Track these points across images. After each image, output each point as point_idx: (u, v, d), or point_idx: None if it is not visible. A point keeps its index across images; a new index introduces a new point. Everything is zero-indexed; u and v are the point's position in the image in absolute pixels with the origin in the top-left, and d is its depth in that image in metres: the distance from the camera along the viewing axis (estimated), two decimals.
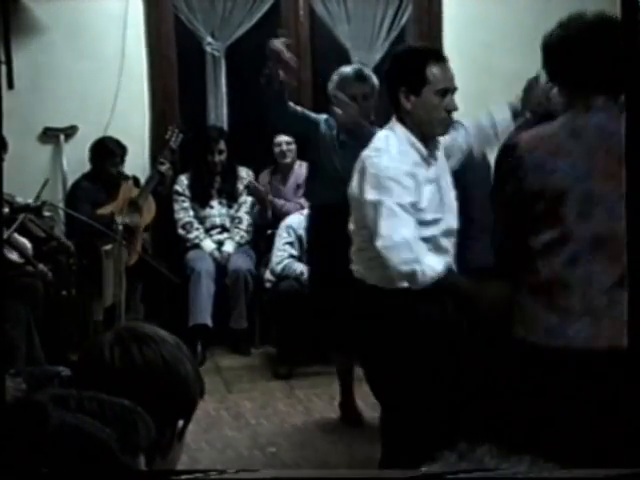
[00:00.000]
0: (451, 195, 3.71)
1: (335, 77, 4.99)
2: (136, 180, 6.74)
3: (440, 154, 3.70)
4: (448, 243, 3.65)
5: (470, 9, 7.07)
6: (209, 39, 7.13)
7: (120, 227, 5.75)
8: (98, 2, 6.77)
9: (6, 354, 5.00)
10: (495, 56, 6.93)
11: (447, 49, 7.01)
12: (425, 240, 3.51)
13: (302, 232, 6.09)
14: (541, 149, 2.92)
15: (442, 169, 3.70)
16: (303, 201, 6.34)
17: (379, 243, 3.43)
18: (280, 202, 6.75)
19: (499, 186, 3.07)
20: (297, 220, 6.24)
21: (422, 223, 3.50)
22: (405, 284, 3.46)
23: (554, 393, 2.91)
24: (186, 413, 2.02)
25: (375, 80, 4.96)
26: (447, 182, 3.71)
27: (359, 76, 4.95)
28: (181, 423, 2.00)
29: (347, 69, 5.06)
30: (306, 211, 6.29)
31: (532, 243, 2.95)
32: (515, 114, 4.03)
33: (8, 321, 5.21)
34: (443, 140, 3.74)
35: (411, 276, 3.40)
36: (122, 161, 6.64)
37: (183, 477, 1.50)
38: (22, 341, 5.35)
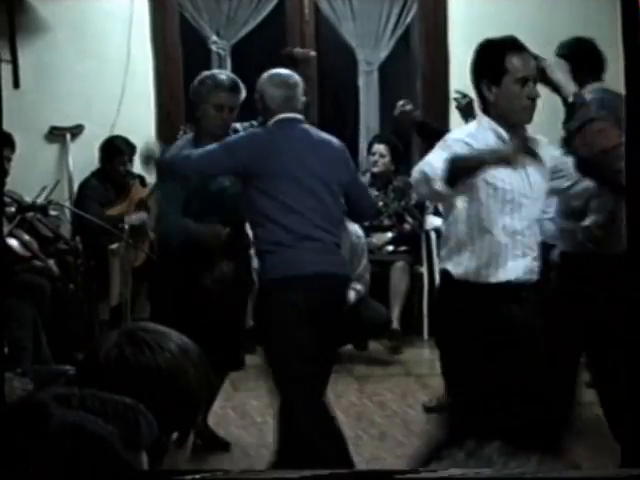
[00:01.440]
0: (530, 194, 3.69)
1: (207, 80, 4.67)
2: (142, 179, 6.75)
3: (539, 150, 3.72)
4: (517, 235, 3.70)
5: (475, 7, 7.07)
6: (214, 38, 7.13)
7: (127, 227, 5.76)
8: (103, 1, 6.78)
9: (13, 354, 5.00)
10: None
11: (452, 47, 7.04)
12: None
13: None
14: None
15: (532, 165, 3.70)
16: None
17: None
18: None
19: None
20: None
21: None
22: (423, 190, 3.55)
23: None
24: (184, 425, 1.99)
25: (243, 93, 4.72)
26: (533, 178, 3.69)
27: (233, 87, 4.66)
28: (175, 435, 1.97)
29: (222, 76, 4.75)
30: None
31: None
32: None
33: (15, 321, 5.21)
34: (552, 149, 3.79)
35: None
36: (130, 160, 6.64)
37: (187, 477, 1.49)
38: (29, 341, 5.35)
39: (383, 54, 7.26)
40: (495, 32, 6.92)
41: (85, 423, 1.43)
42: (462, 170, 3.41)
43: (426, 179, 3.43)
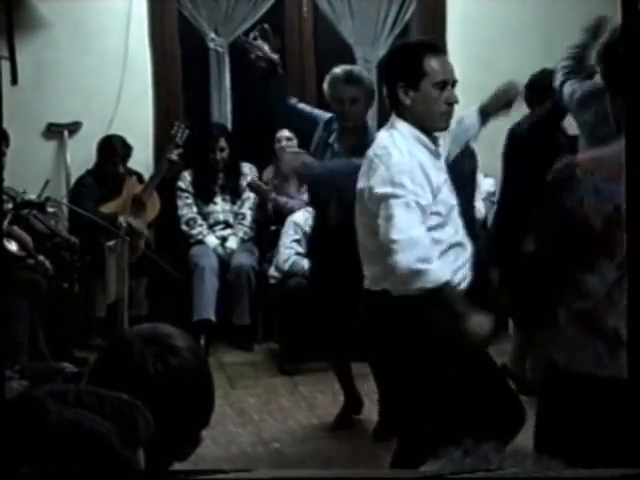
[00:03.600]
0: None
1: (327, 77, 4.88)
2: (139, 177, 6.75)
3: (442, 150, 3.66)
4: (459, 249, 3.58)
5: (473, 5, 7.07)
6: (212, 35, 7.13)
7: (124, 224, 5.76)
8: None
9: (9, 350, 5.01)
10: (498, 52, 6.93)
11: (450, 45, 7.04)
12: (436, 242, 3.44)
13: (308, 229, 6.10)
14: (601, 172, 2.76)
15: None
16: (306, 198, 6.33)
17: (394, 236, 3.28)
18: (283, 199, 6.73)
19: (548, 206, 2.99)
20: (302, 217, 6.24)
21: (437, 226, 3.46)
22: (412, 284, 3.31)
23: (595, 422, 2.81)
24: (208, 419, 2.03)
25: (368, 83, 4.83)
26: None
27: (348, 78, 4.76)
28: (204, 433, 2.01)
29: (338, 70, 4.86)
30: (311, 208, 6.29)
31: (580, 267, 2.82)
32: (485, 115, 3.97)
33: (11, 317, 5.23)
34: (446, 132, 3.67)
35: (422, 275, 3.28)
36: (124, 163, 6.62)
37: (187, 477, 1.49)
38: (25, 336, 5.37)
39: (381, 52, 7.23)
40: (493, 30, 7.04)
41: (82, 420, 1.43)
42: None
43: (423, 275, 3.27)
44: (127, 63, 6.82)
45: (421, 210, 3.34)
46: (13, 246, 5.56)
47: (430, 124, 3.49)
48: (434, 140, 3.57)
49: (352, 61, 7.22)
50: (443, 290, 3.31)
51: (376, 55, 7.24)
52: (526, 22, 7.09)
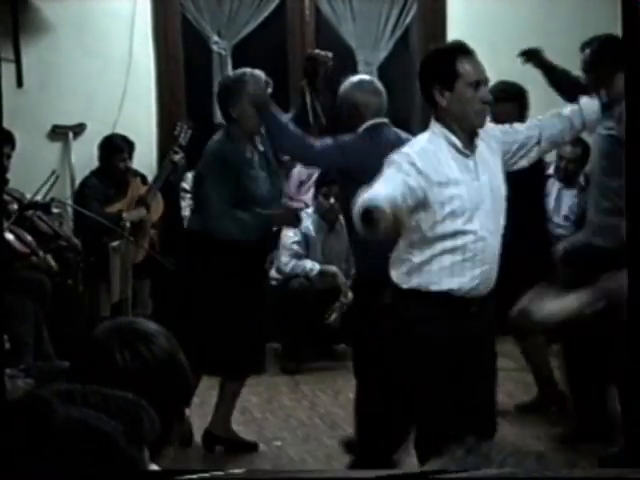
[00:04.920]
0: (495, 194, 3.67)
1: (251, 79, 4.74)
2: (143, 178, 6.78)
3: (484, 150, 3.70)
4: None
5: (474, 8, 7.10)
6: (215, 38, 7.17)
7: (127, 224, 5.80)
8: (106, 1, 6.81)
9: (15, 350, 5.05)
10: (499, 55, 6.94)
11: None
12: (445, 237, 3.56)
13: (306, 230, 6.16)
14: None
15: (486, 166, 3.68)
16: (306, 199, 6.37)
17: None
18: (283, 200, 6.73)
19: None
20: (302, 218, 6.27)
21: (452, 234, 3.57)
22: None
23: None
24: (189, 398, 2.07)
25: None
26: (492, 179, 3.68)
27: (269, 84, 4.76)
28: (188, 411, 2.04)
29: (263, 76, 4.78)
30: (310, 209, 6.33)
31: None
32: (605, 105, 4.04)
33: (16, 317, 5.25)
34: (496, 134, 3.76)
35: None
36: (130, 157, 6.67)
37: (187, 477, 1.50)
38: (30, 337, 5.39)
39: (382, 55, 7.29)
40: (494, 32, 7.06)
41: (89, 419, 1.44)
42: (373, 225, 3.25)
43: (356, 211, 3.28)
44: (131, 65, 6.86)
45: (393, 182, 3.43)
46: (11, 236, 5.56)
47: (467, 123, 3.62)
48: (474, 138, 3.65)
49: (353, 64, 7.26)
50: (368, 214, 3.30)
51: (377, 57, 7.28)
52: (526, 24, 7.10)
